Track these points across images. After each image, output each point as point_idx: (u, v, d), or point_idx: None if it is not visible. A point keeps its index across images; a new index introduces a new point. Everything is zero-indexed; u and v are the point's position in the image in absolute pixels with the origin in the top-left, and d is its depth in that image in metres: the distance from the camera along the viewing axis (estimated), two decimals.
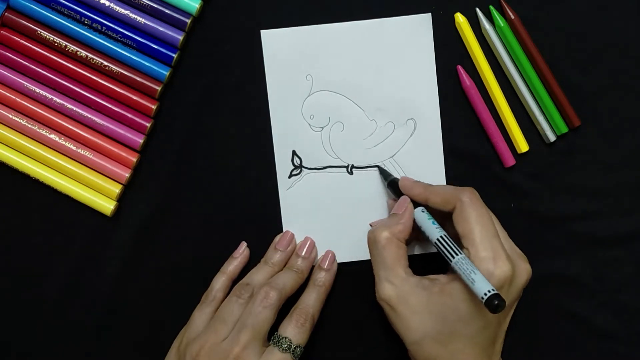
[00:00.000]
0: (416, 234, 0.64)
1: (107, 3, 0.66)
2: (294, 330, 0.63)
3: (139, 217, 0.69)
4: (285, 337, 0.62)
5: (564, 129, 0.68)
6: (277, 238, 0.68)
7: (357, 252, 0.69)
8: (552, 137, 0.68)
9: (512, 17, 0.67)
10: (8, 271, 0.69)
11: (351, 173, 0.69)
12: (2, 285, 0.69)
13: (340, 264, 0.69)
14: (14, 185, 0.69)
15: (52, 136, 0.68)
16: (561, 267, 0.69)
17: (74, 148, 0.68)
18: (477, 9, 0.67)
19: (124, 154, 0.68)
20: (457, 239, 0.61)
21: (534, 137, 0.69)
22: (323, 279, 0.67)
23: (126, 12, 0.66)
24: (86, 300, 0.69)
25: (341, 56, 0.68)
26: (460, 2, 0.68)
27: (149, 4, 0.66)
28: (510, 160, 0.68)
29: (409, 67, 0.68)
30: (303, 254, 0.68)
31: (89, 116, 0.67)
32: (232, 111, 0.68)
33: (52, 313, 0.69)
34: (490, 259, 0.59)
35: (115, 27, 0.66)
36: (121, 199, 0.69)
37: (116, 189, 0.68)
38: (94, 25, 0.66)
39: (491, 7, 0.67)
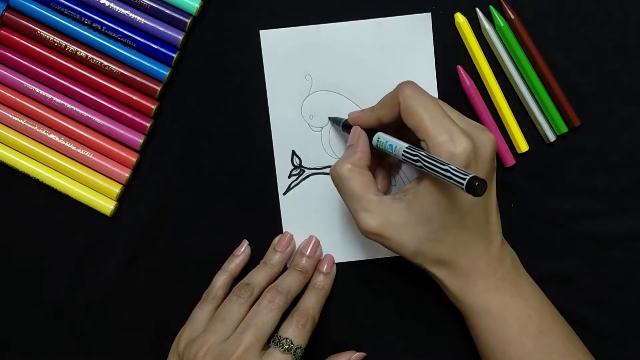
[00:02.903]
0: (377, 161, 0.65)
1: (107, 3, 0.66)
2: (295, 332, 0.63)
3: (139, 217, 0.69)
4: (287, 338, 0.62)
5: (564, 129, 0.68)
6: (276, 239, 0.68)
7: (356, 252, 0.69)
8: (552, 137, 0.68)
9: (512, 17, 0.67)
10: (8, 271, 0.69)
11: None
12: (2, 285, 0.69)
13: (339, 264, 0.69)
14: (14, 185, 0.69)
15: (52, 136, 0.68)
16: (561, 267, 0.69)
17: (74, 148, 0.68)
18: (477, 9, 0.67)
19: (123, 154, 0.68)
20: (417, 143, 0.60)
21: (534, 137, 0.69)
22: (322, 282, 0.67)
23: (126, 12, 0.66)
24: (86, 300, 0.69)
25: (341, 56, 0.68)
26: (460, 2, 0.68)
27: (149, 4, 0.66)
28: (510, 160, 0.68)
29: (409, 67, 0.68)
30: (308, 252, 0.67)
31: (89, 116, 0.67)
32: (232, 111, 0.68)
33: (52, 313, 0.69)
34: (448, 140, 0.57)
35: (115, 27, 0.66)
36: (121, 199, 0.69)
37: (116, 189, 0.68)
38: (94, 25, 0.66)
39: (491, 7, 0.67)
